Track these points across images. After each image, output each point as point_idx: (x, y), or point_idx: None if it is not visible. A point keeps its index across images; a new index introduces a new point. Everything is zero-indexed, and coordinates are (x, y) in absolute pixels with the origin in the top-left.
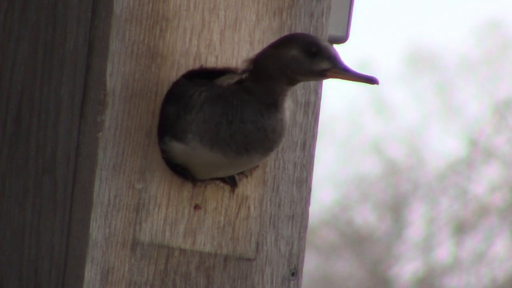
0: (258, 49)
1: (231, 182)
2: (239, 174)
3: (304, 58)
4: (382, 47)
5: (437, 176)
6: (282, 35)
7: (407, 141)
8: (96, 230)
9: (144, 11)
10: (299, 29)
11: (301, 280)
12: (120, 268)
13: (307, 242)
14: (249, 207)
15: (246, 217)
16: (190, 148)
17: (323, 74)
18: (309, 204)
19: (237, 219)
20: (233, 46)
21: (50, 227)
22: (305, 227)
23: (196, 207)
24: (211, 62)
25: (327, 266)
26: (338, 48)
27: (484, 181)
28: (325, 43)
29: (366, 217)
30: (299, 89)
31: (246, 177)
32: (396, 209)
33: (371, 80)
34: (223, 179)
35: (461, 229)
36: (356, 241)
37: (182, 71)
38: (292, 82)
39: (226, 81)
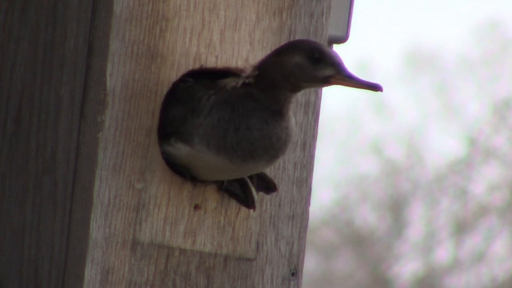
0: (258, 49)
1: (248, 203)
2: (258, 191)
3: (308, 64)
4: (382, 47)
5: (436, 176)
6: (282, 35)
7: (407, 141)
8: (96, 230)
9: (144, 11)
10: (299, 29)
11: (301, 280)
12: (120, 268)
13: (307, 242)
14: None
15: (246, 217)
16: (196, 151)
17: (327, 81)
18: (309, 204)
19: (237, 219)
20: (233, 46)
21: (50, 227)
22: (305, 227)
23: (196, 207)
24: (211, 62)
25: (327, 266)
26: (338, 48)
27: (484, 181)
28: (329, 50)
29: (366, 217)
30: None
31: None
32: (396, 209)
33: (375, 87)
34: (237, 199)
35: (461, 229)
36: (356, 241)
37: (182, 71)
38: (296, 88)
39: (230, 83)
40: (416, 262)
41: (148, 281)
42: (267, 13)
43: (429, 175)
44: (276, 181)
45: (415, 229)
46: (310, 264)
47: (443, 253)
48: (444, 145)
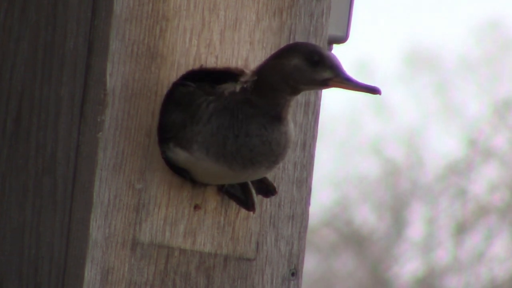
0: (258, 49)
1: (249, 205)
2: (257, 194)
3: (307, 67)
4: (382, 47)
5: (436, 176)
6: (282, 35)
7: (407, 141)
8: (96, 230)
9: (144, 11)
10: (299, 29)
11: (301, 280)
12: (120, 268)
13: (307, 242)
14: None
15: (246, 217)
16: (195, 159)
17: (325, 83)
18: (309, 204)
19: (237, 219)
20: (233, 46)
21: (50, 227)
22: (305, 227)
23: (196, 207)
24: (211, 62)
25: (326, 266)
26: (338, 48)
27: (484, 181)
28: (327, 52)
29: (366, 217)
30: None
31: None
32: (395, 209)
33: (373, 90)
34: (238, 200)
35: (460, 229)
36: (355, 241)
37: (182, 71)
38: (295, 91)
39: (229, 89)
40: (416, 262)
41: (148, 281)
42: (267, 13)
43: (429, 175)
44: (276, 181)
45: (415, 229)
46: (310, 264)
47: (443, 253)
48: (444, 145)
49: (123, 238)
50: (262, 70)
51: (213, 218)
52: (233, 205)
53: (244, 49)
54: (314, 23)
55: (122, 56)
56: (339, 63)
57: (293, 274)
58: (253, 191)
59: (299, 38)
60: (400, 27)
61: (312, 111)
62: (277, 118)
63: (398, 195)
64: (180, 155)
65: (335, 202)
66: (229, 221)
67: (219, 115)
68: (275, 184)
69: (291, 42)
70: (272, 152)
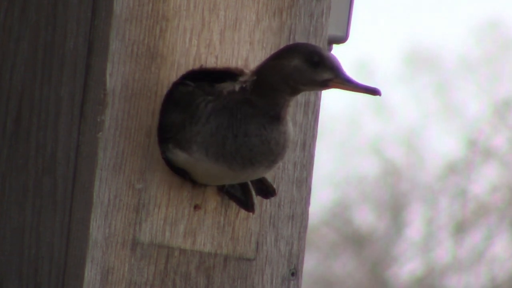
0: (258, 49)
1: (248, 206)
2: (257, 195)
3: (306, 68)
4: (382, 47)
5: (436, 176)
6: (282, 35)
7: (407, 141)
8: (96, 230)
9: (144, 11)
10: (299, 29)
11: (301, 280)
12: (120, 268)
13: (306, 242)
14: None
15: (246, 217)
16: (194, 160)
17: (325, 84)
18: (309, 204)
19: (237, 219)
20: (233, 46)
21: (50, 227)
22: (305, 227)
23: (196, 207)
24: (211, 62)
25: (326, 266)
26: (338, 48)
27: (484, 181)
28: (327, 53)
29: (366, 217)
30: None
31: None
32: (395, 209)
33: (373, 91)
34: (238, 201)
35: (460, 229)
36: (355, 241)
37: (182, 71)
38: (295, 92)
39: (228, 88)
40: (416, 262)
41: (148, 281)
42: (267, 13)
43: (428, 175)
44: (276, 181)
45: (415, 229)
46: (309, 264)
47: (443, 253)
48: (443, 145)
49: (123, 238)
50: (262, 70)
51: (213, 218)
52: (233, 205)
53: (244, 49)
54: (314, 23)
55: (122, 56)
56: (339, 64)
57: (293, 274)
58: (253, 192)
59: (299, 38)
60: (400, 27)
61: (312, 111)
62: (277, 118)
63: (397, 195)
64: (180, 156)
65: (334, 202)
66: (229, 221)
67: (218, 115)
68: (275, 184)
69: (291, 42)
70: (271, 152)
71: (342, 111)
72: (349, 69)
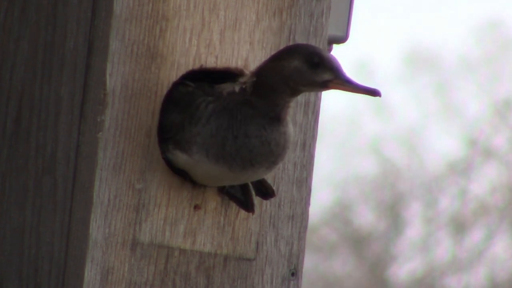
0: (258, 49)
1: (248, 207)
2: (256, 195)
3: (306, 68)
4: (382, 47)
5: (436, 176)
6: (282, 35)
7: (406, 141)
8: (96, 230)
9: (144, 11)
10: (299, 29)
11: (301, 280)
12: (120, 268)
13: (307, 242)
14: None
15: (246, 217)
16: (194, 161)
17: (325, 85)
18: (309, 204)
19: (237, 219)
20: (233, 46)
21: (50, 227)
22: (305, 227)
23: (196, 207)
24: (211, 62)
25: (325, 265)
26: (338, 48)
27: (484, 181)
28: (327, 54)
29: (365, 216)
30: None
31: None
32: (395, 209)
33: (373, 92)
34: (238, 202)
35: (460, 228)
36: (355, 240)
37: (182, 71)
38: (295, 93)
39: (228, 89)
40: (415, 262)
41: (148, 281)
42: (267, 13)
43: (428, 175)
44: (276, 181)
45: (414, 229)
46: (309, 264)
47: (442, 253)
48: (443, 145)
49: (123, 238)
50: (262, 72)
51: (213, 218)
52: (233, 205)
53: (244, 49)
54: (314, 23)
55: (122, 56)
56: (339, 65)
57: (293, 274)
58: (253, 192)
59: (299, 38)
60: (400, 27)
61: (312, 111)
62: (277, 119)
63: (397, 195)
64: (180, 158)
65: (334, 202)
66: (229, 221)
67: (218, 116)
68: (275, 185)
69: (291, 42)
70: (272, 153)
71: (342, 111)
72: (349, 69)
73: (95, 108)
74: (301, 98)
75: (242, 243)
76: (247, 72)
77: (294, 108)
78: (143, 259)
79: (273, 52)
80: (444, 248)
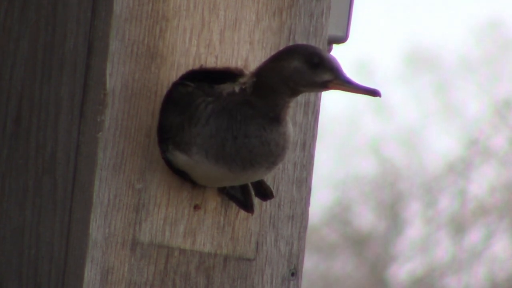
0: (258, 49)
1: (248, 207)
2: (255, 196)
3: (306, 69)
4: (382, 47)
5: (435, 175)
6: (282, 35)
7: (406, 141)
8: (96, 230)
9: (144, 11)
10: (299, 29)
11: (301, 280)
12: (120, 268)
13: (306, 242)
14: None
15: (245, 217)
16: (194, 162)
17: (325, 86)
18: (309, 204)
19: (237, 219)
20: (233, 46)
21: (50, 227)
22: (305, 227)
23: (196, 207)
24: (211, 62)
25: (325, 265)
26: (338, 48)
27: (483, 181)
28: (327, 54)
29: (365, 217)
30: None
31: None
32: (394, 208)
33: (373, 93)
34: (238, 202)
35: (459, 228)
36: (354, 240)
37: (182, 71)
38: (295, 93)
39: (227, 89)
40: (415, 261)
41: (148, 281)
42: (267, 13)
43: (428, 175)
44: (276, 181)
45: (414, 229)
46: (309, 264)
47: (442, 253)
48: (443, 145)
49: (123, 238)
50: (262, 72)
51: (213, 218)
52: (233, 205)
53: (244, 49)
54: (314, 23)
55: (122, 56)
56: (339, 65)
57: (292, 274)
58: (252, 192)
59: (299, 38)
60: (400, 27)
61: (312, 111)
62: (276, 119)
63: (397, 195)
64: (179, 158)
65: (334, 202)
66: (229, 221)
67: (217, 117)
68: (274, 185)
69: (291, 42)
70: (271, 153)
71: (342, 111)
72: (349, 69)
73: (95, 108)
74: (301, 98)
75: (242, 243)
76: (247, 72)
77: (294, 108)
78: (143, 259)
79: (273, 52)
80: (443, 248)
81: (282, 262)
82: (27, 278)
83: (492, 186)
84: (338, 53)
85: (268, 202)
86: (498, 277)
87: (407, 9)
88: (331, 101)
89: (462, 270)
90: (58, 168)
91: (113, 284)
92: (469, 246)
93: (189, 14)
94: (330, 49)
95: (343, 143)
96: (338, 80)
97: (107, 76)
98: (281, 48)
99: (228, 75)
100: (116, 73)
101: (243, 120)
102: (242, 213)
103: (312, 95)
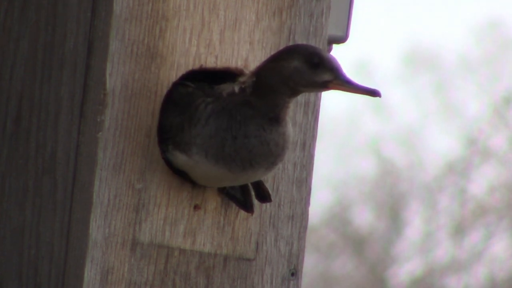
0: (258, 49)
1: (248, 207)
2: (256, 197)
3: (306, 69)
4: (382, 47)
5: (435, 175)
6: (282, 35)
7: (406, 141)
8: (96, 230)
9: (144, 11)
10: (299, 29)
11: (301, 280)
12: (120, 268)
13: (306, 242)
14: None
15: (245, 217)
16: (194, 162)
17: (325, 86)
18: (308, 204)
19: (237, 219)
20: (233, 46)
21: (50, 227)
22: (305, 227)
23: (196, 207)
24: (211, 62)
25: (325, 265)
26: (338, 48)
27: (483, 181)
28: (327, 54)
29: (365, 217)
30: None
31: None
32: (394, 209)
33: (373, 93)
34: (237, 202)
35: (459, 229)
36: (354, 240)
37: (182, 71)
38: (295, 93)
39: (227, 89)
40: (415, 262)
41: (147, 281)
42: (266, 13)
43: (427, 175)
44: (276, 181)
45: (414, 229)
46: (309, 264)
47: (442, 253)
48: (443, 145)
49: (123, 238)
50: (261, 72)
51: (213, 218)
52: (233, 205)
53: (244, 49)
54: (314, 23)
55: (122, 56)
56: (339, 65)
57: (292, 274)
58: (252, 193)
59: (299, 38)
60: (399, 27)
61: (312, 111)
62: (276, 119)
63: (397, 195)
64: (179, 158)
65: (334, 202)
66: (228, 221)
67: (217, 117)
68: (274, 185)
69: (290, 42)
70: (271, 153)
71: (342, 111)
72: (349, 69)
73: (95, 108)
74: (301, 98)
75: (242, 243)
76: (247, 72)
77: (294, 108)
78: (143, 259)
79: (273, 52)
80: (443, 248)
81: (282, 262)
82: (27, 278)
83: (492, 186)
84: (338, 53)
85: None
86: (498, 277)
87: (407, 9)
88: (331, 101)
89: (462, 270)
90: (58, 168)
91: (113, 284)
92: (469, 246)
93: (189, 14)
94: (330, 49)
95: (343, 143)
96: (338, 80)
97: (107, 76)
98: (281, 48)
99: (228, 75)
100: (116, 73)
101: (243, 120)
102: (242, 213)
103: (312, 95)
